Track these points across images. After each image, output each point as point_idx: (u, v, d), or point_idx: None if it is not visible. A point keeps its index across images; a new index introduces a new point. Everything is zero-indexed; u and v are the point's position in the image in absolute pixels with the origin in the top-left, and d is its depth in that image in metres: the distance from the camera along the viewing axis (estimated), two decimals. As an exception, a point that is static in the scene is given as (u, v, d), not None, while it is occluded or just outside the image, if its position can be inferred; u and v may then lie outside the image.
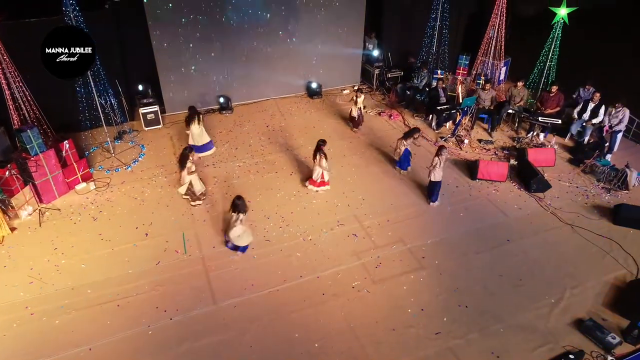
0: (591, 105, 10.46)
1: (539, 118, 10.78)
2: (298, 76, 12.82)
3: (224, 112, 12.00)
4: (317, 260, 7.61)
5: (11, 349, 6.14)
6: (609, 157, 10.18)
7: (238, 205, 7.26)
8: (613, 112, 10.16)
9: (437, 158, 8.51)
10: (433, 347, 6.29)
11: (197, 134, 9.97)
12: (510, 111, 11.37)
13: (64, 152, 8.87)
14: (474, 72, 12.92)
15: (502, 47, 12.14)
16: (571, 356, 6.06)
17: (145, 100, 11.09)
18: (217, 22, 11.13)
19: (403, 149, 9.50)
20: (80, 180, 9.14)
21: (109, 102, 10.21)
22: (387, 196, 9.13)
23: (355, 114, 11.07)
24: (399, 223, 8.45)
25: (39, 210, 8.44)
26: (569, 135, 11.01)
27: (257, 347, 6.25)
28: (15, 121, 8.94)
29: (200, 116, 10.04)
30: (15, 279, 7.14)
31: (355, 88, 11.75)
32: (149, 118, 11.09)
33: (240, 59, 11.81)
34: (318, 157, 8.80)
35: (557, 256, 7.83)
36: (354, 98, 10.93)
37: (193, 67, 11.45)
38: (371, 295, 7.04)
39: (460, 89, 12.19)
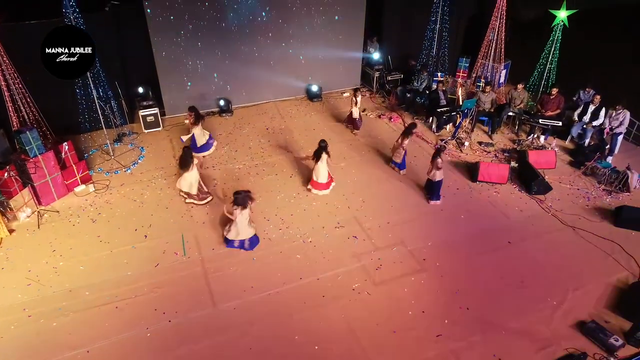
0: (591, 108, 10.45)
1: (540, 120, 10.76)
2: (298, 79, 12.82)
3: (224, 114, 12.00)
4: (317, 262, 7.57)
5: (9, 351, 6.08)
6: (609, 159, 10.16)
7: (237, 199, 7.38)
8: (613, 114, 10.15)
9: (439, 159, 8.51)
10: (434, 350, 6.24)
11: (199, 134, 10.00)
12: (510, 114, 11.37)
13: (63, 154, 8.84)
14: (474, 75, 12.91)
15: (502, 50, 12.13)
16: (574, 358, 6.00)
17: (145, 103, 11.07)
18: (218, 26, 11.14)
19: (403, 152, 9.49)
20: (80, 183, 9.09)
21: (108, 105, 10.20)
22: (388, 198, 9.10)
23: (356, 115, 11.04)
24: (400, 225, 8.41)
25: (38, 212, 8.39)
26: (569, 137, 11.00)
27: (257, 349, 6.20)
28: (15, 123, 8.93)
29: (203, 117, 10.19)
30: (13, 280, 7.09)
31: (354, 88, 11.73)
32: (148, 120, 11.07)
33: (240, 62, 11.79)
34: (324, 156, 8.75)
35: (559, 258, 7.78)
36: (354, 98, 10.91)
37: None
38: (372, 297, 6.99)
39: (460, 92, 12.16)
